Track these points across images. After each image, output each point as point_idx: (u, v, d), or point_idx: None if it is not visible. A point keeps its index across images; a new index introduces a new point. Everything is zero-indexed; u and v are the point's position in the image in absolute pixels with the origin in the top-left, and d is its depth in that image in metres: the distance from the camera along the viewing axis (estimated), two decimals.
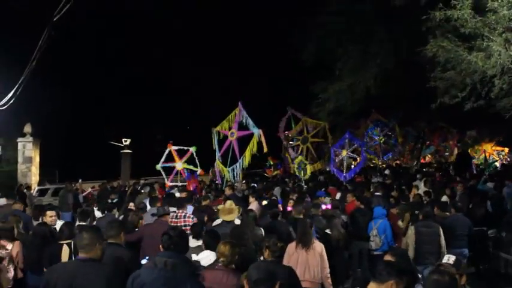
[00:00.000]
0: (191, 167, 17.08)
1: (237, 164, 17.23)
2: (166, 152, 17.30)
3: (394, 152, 26.85)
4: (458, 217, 10.52)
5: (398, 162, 31.94)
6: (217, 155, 17.85)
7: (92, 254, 4.57)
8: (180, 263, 4.47)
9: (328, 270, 7.36)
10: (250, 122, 17.03)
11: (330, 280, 7.36)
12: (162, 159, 17.29)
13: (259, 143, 16.70)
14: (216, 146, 17.91)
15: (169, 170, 17.48)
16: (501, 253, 10.65)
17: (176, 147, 17.31)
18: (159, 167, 17.27)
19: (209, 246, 6.20)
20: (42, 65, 18.83)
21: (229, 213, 8.71)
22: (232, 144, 17.54)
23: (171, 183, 17.33)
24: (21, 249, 7.58)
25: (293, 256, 7.32)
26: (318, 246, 7.49)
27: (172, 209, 9.34)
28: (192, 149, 17.04)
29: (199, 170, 17.03)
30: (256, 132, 16.71)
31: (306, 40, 24.61)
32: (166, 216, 8.45)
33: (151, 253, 6.20)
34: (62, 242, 7.09)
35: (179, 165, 17.03)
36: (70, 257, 6.81)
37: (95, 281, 4.38)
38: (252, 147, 16.77)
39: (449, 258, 4.76)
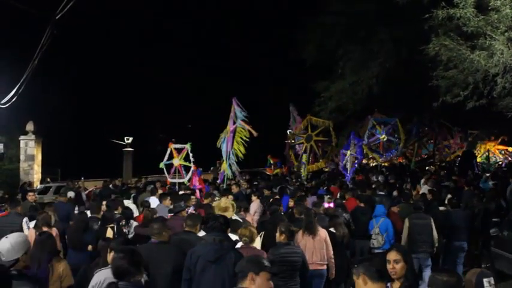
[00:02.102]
0: (186, 163, 17.29)
1: (231, 157, 17.19)
2: (169, 151, 17.52)
3: (396, 150, 26.86)
4: (458, 211, 11.08)
5: (400, 160, 31.92)
6: (224, 156, 17.82)
7: (161, 238, 6.11)
8: (224, 239, 5.87)
9: (331, 252, 8.22)
10: (238, 114, 17.03)
11: (333, 261, 8.21)
12: (166, 158, 17.50)
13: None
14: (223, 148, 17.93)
15: (169, 168, 17.71)
16: (503, 252, 10.64)
17: (175, 146, 17.51)
18: (162, 165, 17.51)
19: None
20: (44, 64, 18.87)
21: (224, 210, 8.84)
22: (226, 140, 17.51)
23: (171, 180, 17.49)
24: (58, 234, 8.75)
25: (301, 243, 8.07)
26: (322, 232, 8.26)
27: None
28: (187, 146, 17.23)
29: (192, 166, 17.23)
30: (238, 121, 16.76)
31: (307, 39, 24.64)
32: (183, 212, 9.10)
33: None
34: (107, 225, 8.68)
35: (176, 161, 17.26)
36: (114, 237, 7.97)
37: (165, 257, 5.86)
38: (240, 137, 16.79)
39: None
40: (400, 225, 10.58)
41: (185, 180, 17.11)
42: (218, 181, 19.02)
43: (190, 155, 17.20)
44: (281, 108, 36.31)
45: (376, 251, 10.26)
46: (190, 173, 17.21)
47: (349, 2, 21.64)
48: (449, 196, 13.08)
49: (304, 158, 20.52)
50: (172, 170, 17.54)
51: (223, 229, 6.09)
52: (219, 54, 50.01)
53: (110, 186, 18.56)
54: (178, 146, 17.53)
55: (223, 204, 9.16)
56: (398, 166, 29.07)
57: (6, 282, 3.48)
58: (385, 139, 23.42)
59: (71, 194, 15.65)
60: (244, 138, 16.83)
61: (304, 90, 27.02)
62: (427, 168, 27.30)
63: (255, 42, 47.54)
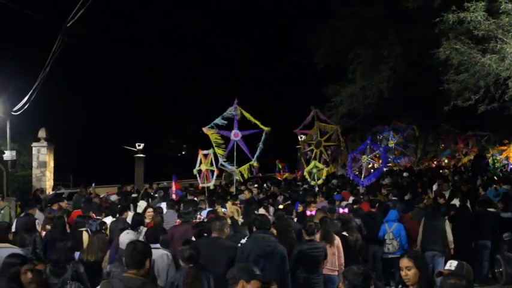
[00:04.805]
0: (212, 168, 17.74)
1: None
2: (199, 157, 18.09)
3: (406, 156, 26.75)
4: (478, 212, 11.47)
5: (408, 165, 31.85)
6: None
7: (221, 234, 6.88)
8: (269, 236, 6.88)
9: (342, 259, 8.39)
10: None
11: (343, 267, 8.17)
12: (197, 164, 18.10)
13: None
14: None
15: (200, 173, 18.29)
16: None
17: (204, 152, 18.06)
18: (195, 171, 18.08)
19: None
20: (56, 70, 18.96)
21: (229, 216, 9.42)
22: (235, 144, 17.69)
23: (202, 185, 17.93)
24: None
25: None
26: (336, 239, 8.45)
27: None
28: (211, 151, 17.67)
29: (216, 170, 17.83)
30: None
31: (317, 44, 24.61)
32: (192, 220, 9.40)
33: None
34: (81, 229, 9.22)
35: (203, 167, 17.82)
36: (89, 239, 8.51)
37: (224, 250, 6.67)
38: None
39: (451, 264, 4.66)
40: (417, 230, 10.65)
41: (211, 184, 17.67)
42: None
43: (213, 160, 17.69)
44: (288, 112, 36.32)
45: (390, 256, 10.25)
46: (215, 177, 17.95)
47: (359, 6, 21.61)
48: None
49: (320, 165, 20.44)
50: (202, 175, 18.00)
51: (267, 228, 7.15)
52: (229, 58, 50.12)
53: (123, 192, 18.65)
54: (205, 152, 17.98)
55: (229, 209, 10.05)
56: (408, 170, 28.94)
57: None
58: (392, 145, 23.45)
59: (113, 197, 15.96)
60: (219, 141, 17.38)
61: (316, 95, 26.95)
62: (440, 171, 27.15)
63: (265, 46, 47.65)
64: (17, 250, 6.72)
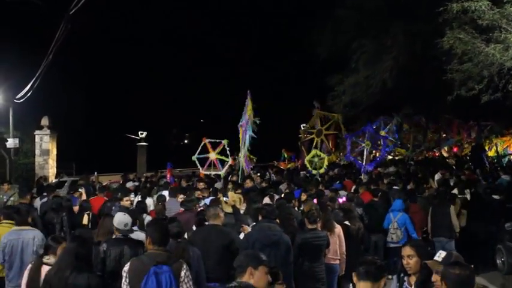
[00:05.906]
0: (223, 158, 18.07)
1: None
2: (202, 144, 18.34)
3: (395, 147, 26.88)
4: (486, 200, 11.84)
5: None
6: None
7: (217, 221, 6.92)
8: (274, 225, 7.07)
9: (344, 248, 8.46)
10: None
11: (344, 256, 8.43)
12: (198, 151, 18.34)
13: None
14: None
15: (202, 161, 18.51)
16: None
17: (209, 140, 18.11)
18: (194, 158, 18.26)
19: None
20: (59, 58, 18.97)
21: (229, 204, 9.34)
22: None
23: (205, 172, 18.16)
24: None
25: None
26: (337, 228, 8.50)
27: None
28: (224, 142, 18.03)
29: (230, 160, 18.30)
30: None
31: (321, 34, 24.54)
32: (194, 208, 9.45)
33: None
34: (84, 213, 10.01)
35: (212, 155, 18.08)
36: (88, 222, 9.79)
37: (220, 236, 6.72)
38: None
39: (439, 255, 4.64)
40: (424, 219, 11.06)
41: (222, 172, 17.90)
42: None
43: (227, 149, 18.07)
44: (295, 101, 36.27)
45: (393, 245, 10.28)
46: (226, 166, 18.40)
47: None
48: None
49: (322, 153, 20.44)
50: (207, 163, 18.25)
51: (273, 218, 7.25)
52: (229, 58, 50.13)
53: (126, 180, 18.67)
54: (213, 140, 18.17)
55: (230, 198, 9.84)
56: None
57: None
58: (383, 133, 23.53)
59: (129, 184, 16.15)
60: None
61: (319, 84, 26.94)
62: (447, 161, 27.17)
63: (265, 46, 47.65)
64: (37, 232, 7.27)
